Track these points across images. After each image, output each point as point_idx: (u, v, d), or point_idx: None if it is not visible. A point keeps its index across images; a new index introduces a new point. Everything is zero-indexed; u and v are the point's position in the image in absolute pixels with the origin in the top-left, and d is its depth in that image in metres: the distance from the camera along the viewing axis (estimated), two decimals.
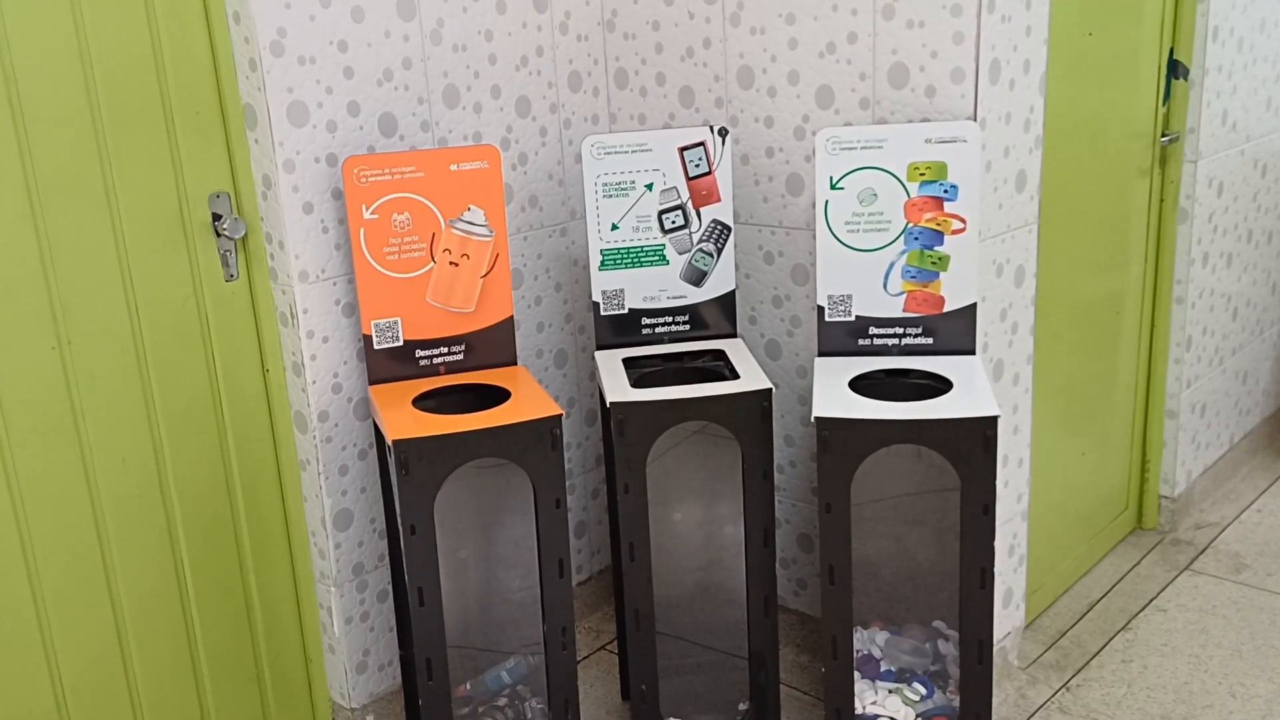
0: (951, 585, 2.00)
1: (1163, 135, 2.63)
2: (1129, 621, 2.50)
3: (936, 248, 1.93)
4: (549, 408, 1.84)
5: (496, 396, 1.95)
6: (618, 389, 1.92)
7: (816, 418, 1.77)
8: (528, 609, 2.11)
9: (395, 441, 1.75)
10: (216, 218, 1.89)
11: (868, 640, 2.06)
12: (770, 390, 1.89)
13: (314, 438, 1.98)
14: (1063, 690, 2.27)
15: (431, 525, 1.81)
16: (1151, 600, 2.58)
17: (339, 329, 1.99)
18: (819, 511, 1.82)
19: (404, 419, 1.83)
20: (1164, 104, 2.63)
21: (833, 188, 1.94)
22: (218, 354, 1.94)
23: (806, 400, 2.24)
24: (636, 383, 2.00)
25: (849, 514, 1.80)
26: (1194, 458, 2.92)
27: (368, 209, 1.92)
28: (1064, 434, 2.51)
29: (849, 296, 1.98)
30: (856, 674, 1.96)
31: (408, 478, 1.77)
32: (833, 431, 1.77)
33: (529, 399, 1.90)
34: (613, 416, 1.89)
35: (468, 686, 2.11)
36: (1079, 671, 2.32)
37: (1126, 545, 2.84)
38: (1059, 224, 2.30)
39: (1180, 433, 2.82)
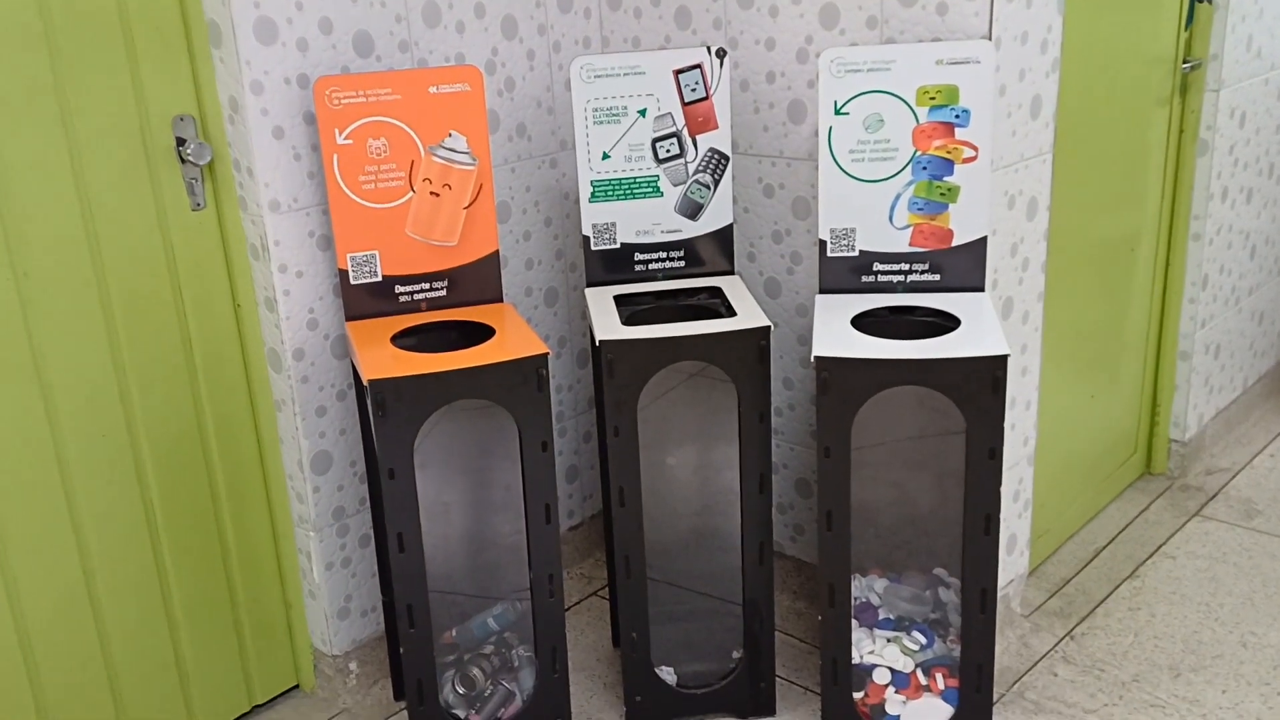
0: (953, 532, 1.92)
1: (1184, 62, 2.50)
2: (1136, 569, 2.43)
3: (946, 178, 1.82)
4: (535, 346, 1.74)
5: (481, 335, 1.85)
6: (608, 327, 1.83)
7: (816, 357, 1.67)
8: (516, 554, 2.03)
9: (371, 381, 1.66)
10: (180, 142, 1.78)
11: (866, 588, 1.99)
12: (768, 328, 1.79)
13: (289, 377, 1.89)
14: (1066, 639, 2.20)
15: (411, 469, 1.72)
16: (1160, 547, 2.51)
17: (314, 262, 1.89)
18: (817, 455, 1.74)
19: (381, 358, 1.73)
20: (1186, 28, 2.49)
21: (837, 113, 1.83)
22: (185, 288, 1.84)
23: (806, 340, 2.14)
24: (628, 321, 1.90)
25: (849, 458, 1.72)
26: (1206, 401, 2.83)
27: (341, 134, 1.81)
28: (1073, 375, 2.42)
29: (852, 230, 1.87)
30: (854, 622, 1.89)
31: (385, 419, 1.68)
32: (832, 372, 1.67)
33: (515, 337, 1.80)
34: (602, 355, 1.79)
35: (453, 633, 2.04)
36: (1084, 620, 2.26)
37: (1134, 491, 2.76)
38: (1073, 155, 2.18)
39: (1193, 375, 2.73)
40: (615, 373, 1.80)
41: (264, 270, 1.85)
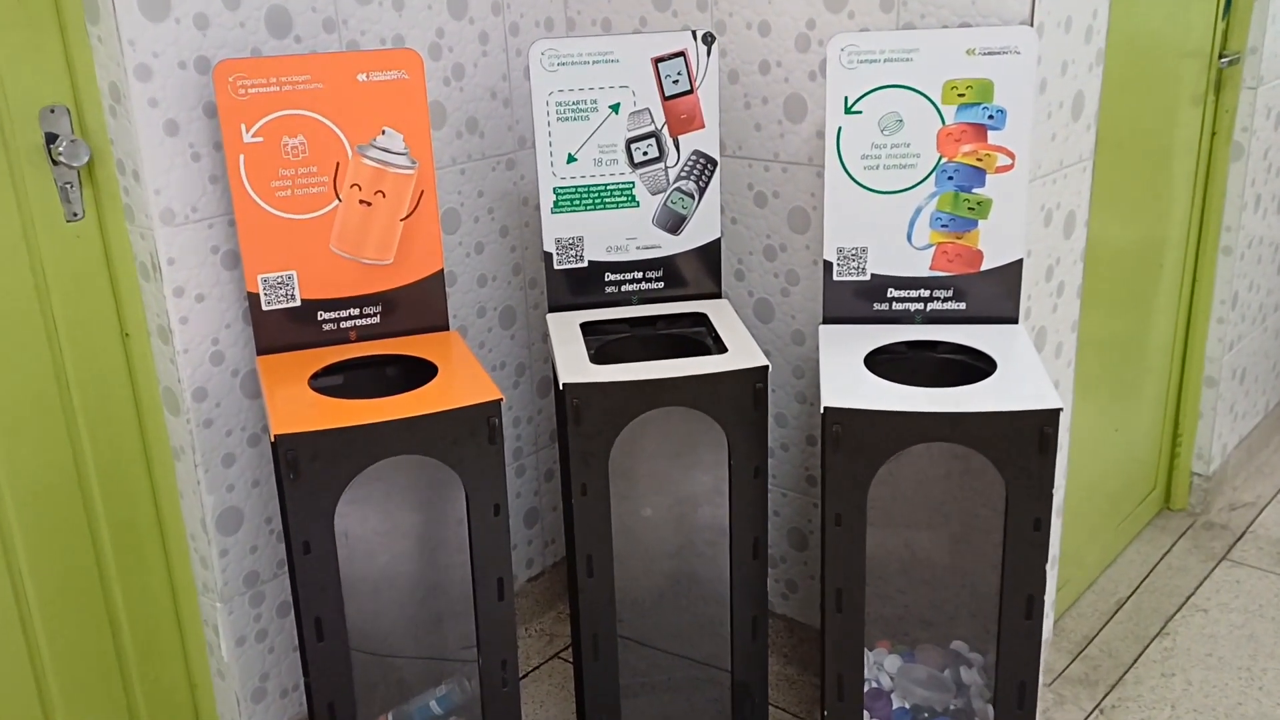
0: (975, 597, 1.65)
1: (1221, 56, 2.23)
2: (1165, 625, 2.16)
3: (976, 189, 1.53)
4: (485, 390, 1.44)
5: (422, 373, 1.54)
6: (573, 365, 1.52)
7: (827, 409, 1.38)
8: (467, 624, 1.73)
9: (280, 437, 1.34)
10: (51, 139, 1.45)
11: (874, 666, 1.70)
12: (766, 369, 1.50)
13: (188, 421, 1.57)
14: (1096, 712, 1.93)
15: (331, 540, 1.41)
16: (1189, 598, 2.25)
17: (218, 284, 1.57)
18: (824, 523, 1.44)
19: (295, 405, 1.42)
20: (1223, 17, 2.22)
21: (847, 112, 1.53)
22: (60, 314, 1.51)
23: (803, 372, 1.85)
24: (598, 356, 1.60)
25: (864, 528, 1.43)
26: (1230, 429, 2.58)
27: (249, 130, 1.49)
28: (1096, 408, 2.15)
29: (863, 250, 1.58)
30: (865, 715, 1.60)
31: (298, 483, 1.36)
32: (846, 426, 1.38)
33: (461, 377, 1.49)
34: (566, 401, 1.49)
35: (390, 717, 1.74)
36: (1113, 689, 1.99)
37: (1154, 530, 2.50)
38: (1109, 161, 1.90)
39: (1219, 402, 2.47)
40: (583, 421, 1.49)
41: (156, 294, 1.52)
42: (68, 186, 1.48)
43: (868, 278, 1.59)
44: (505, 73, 1.89)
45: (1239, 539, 2.45)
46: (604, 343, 1.65)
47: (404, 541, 1.69)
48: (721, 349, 1.57)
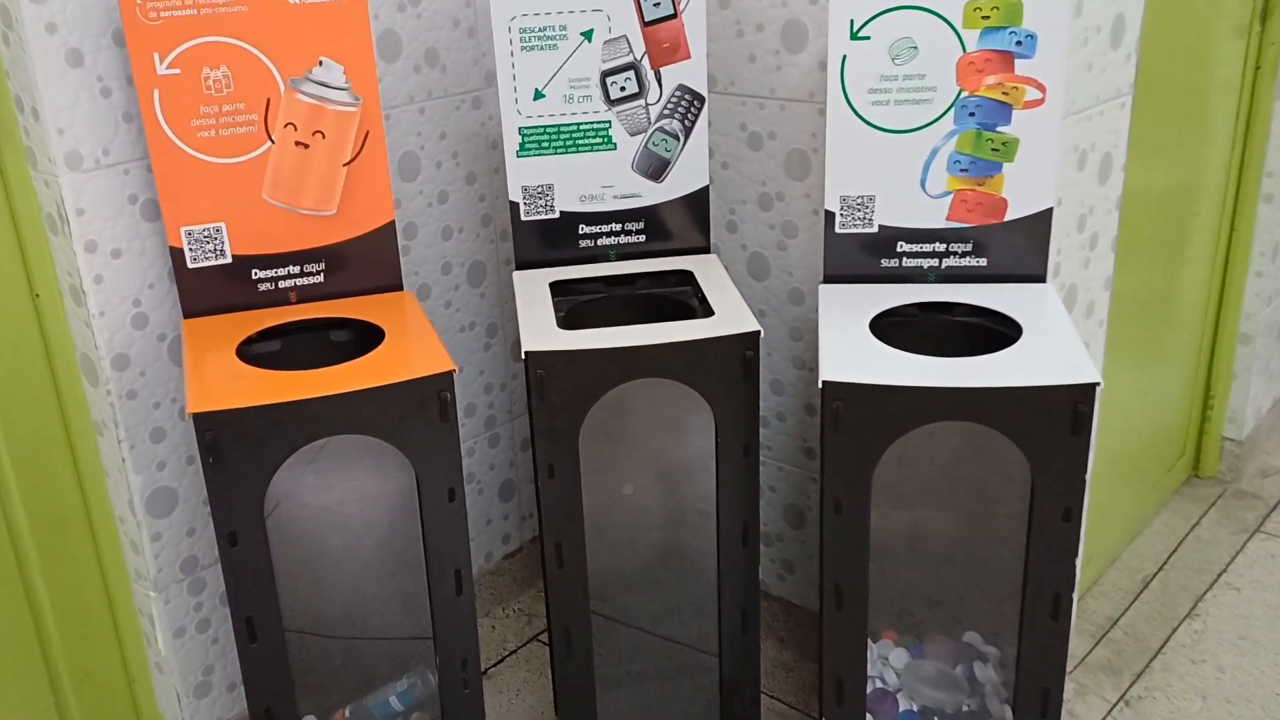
0: (988, 582, 1.48)
1: None
2: (1195, 605, 2.00)
3: (1001, 128, 1.34)
4: (436, 360, 1.26)
5: (368, 339, 1.36)
6: (538, 331, 1.34)
7: (826, 383, 1.20)
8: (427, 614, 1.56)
9: (197, 416, 1.17)
10: None
11: (878, 661, 1.53)
12: (757, 334, 1.32)
13: (108, 393, 1.40)
14: (1120, 704, 1.77)
15: (261, 530, 1.24)
16: (1220, 575, 2.08)
17: (138, 237, 1.38)
18: (823, 509, 1.27)
19: (217, 377, 1.24)
20: None
21: (853, 38, 1.33)
22: None
23: (801, 334, 1.67)
24: (567, 320, 1.42)
25: (868, 517, 1.25)
26: (1264, 391, 2.39)
27: (163, 60, 1.29)
28: (1126, 370, 1.96)
29: (870, 198, 1.38)
30: (867, 717, 1.44)
31: (219, 468, 1.19)
32: (849, 403, 1.20)
33: (411, 344, 1.31)
34: (529, 371, 1.31)
35: (346, 713, 1.58)
36: (1139, 677, 1.83)
37: (1182, 499, 2.33)
38: (1147, 98, 1.70)
39: (1254, 361, 2.28)
40: (548, 395, 1.32)
41: (65, 249, 1.34)
42: None
43: (874, 230, 1.40)
44: None
45: (1272, 510, 2.27)
46: (575, 305, 1.47)
47: (355, 520, 1.52)
48: (708, 312, 1.39)
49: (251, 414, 1.18)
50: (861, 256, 1.41)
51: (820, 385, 1.20)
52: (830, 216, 1.40)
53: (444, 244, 1.75)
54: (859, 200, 1.38)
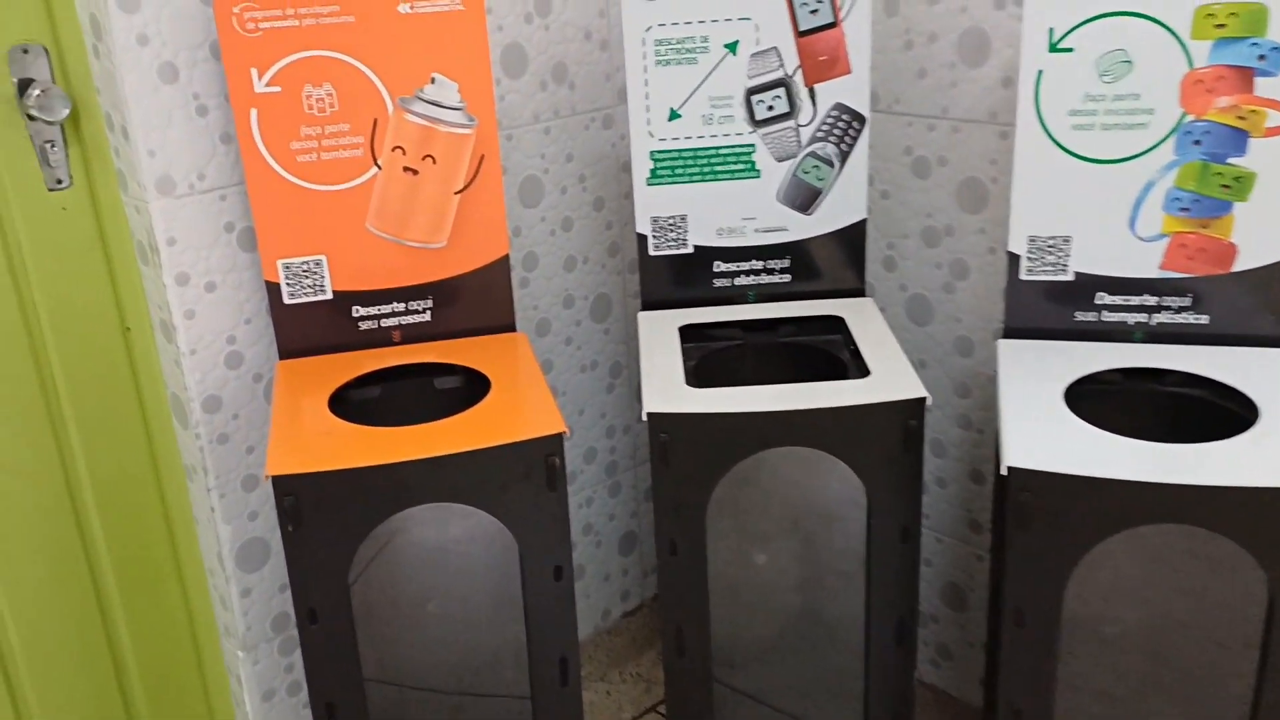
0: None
1: None
2: None
3: (1233, 159, 1.09)
4: (545, 419, 1.09)
5: (473, 386, 1.21)
6: (663, 386, 1.16)
7: (1013, 470, 0.98)
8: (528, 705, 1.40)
9: (276, 479, 1.03)
10: (24, 87, 1.17)
11: None
12: (923, 401, 1.11)
13: (198, 436, 1.28)
14: None
15: (345, 607, 1.10)
16: None
17: (234, 269, 1.27)
18: (1003, 622, 1.05)
19: (303, 432, 1.10)
20: None
21: (1052, 49, 1.11)
22: (43, 304, 1.24)
23: (968, 389, 1.44)
24: (697, 372, 1.24)
25: (1057, 633, 1.03)
26: None
27: (262, 77, 1.17)
28: None
29: (1065, 239, 1.16)
30: None
31: (300, 536, 1.05)
32: (1042, 496, 0.98)
33: (519, 398, 1.15)
34: (652, 434, 1.13)
35: None
36: None
37: None
38: None
39: None
40: (672, 462, 1.14)
41: (155, 280, 1.23)
42: (48, 146, 1.20)
43: (1070, 277, 1.17)
44: (604, 7, 1.52)
45: None
46: (707, 353, 1.29)
47: (449, 591, 1.37)
48: (862, 368, 1.19)
49: (336, 478, 1.04)
50: (1051, 308, 1.18)
51: (1004, 470, 0.98)
52: (1015, 259, 1.18)
53: (566, 275, 1.60)
54: (1051, 241, 1.16)
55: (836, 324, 1.30)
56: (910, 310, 1.47)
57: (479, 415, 1.12)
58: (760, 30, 1.25)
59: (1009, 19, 1.26)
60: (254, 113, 1.18)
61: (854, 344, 1.24)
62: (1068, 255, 1.17)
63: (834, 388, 1.14)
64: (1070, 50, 1.11)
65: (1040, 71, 1.12)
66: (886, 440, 1.12)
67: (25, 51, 1.16)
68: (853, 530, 1.20)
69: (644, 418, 1.13)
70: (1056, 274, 1.17)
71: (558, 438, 1.08)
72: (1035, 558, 1.00)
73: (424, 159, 1.23)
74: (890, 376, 1.15)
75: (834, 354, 1.29)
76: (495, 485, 1.08)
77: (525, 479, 1.09)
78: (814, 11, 1.24)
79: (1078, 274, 1.17)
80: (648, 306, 1.36)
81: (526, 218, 1.52)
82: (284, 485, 1.03)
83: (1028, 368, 1.13)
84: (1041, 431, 1.02)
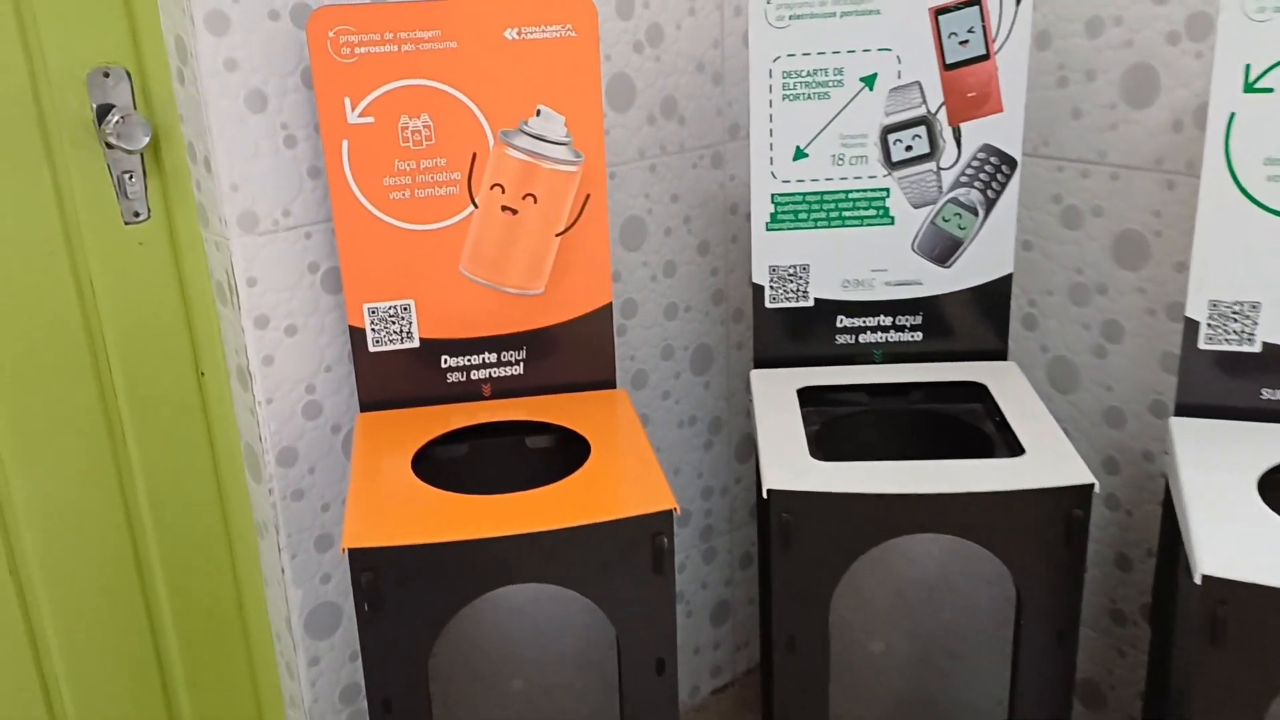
0: None
1: None
2: None
3: None
4: (652, 493, 0.97)
5: (569, 448, 1.09)
6: (785, 458, 1.03)
7: (1207, 578, 0.83)
8: None
9: (353, 552, 0.92)
10: (104, 113, 1.09)
11: None
12: (1090, 488, 0.96)
13: (271, 491, 1.18)
14: None
15: (424, 694, 0.98)
16: None
17: (317, 312, 1.17)
18: None
19: (385, 498, 0.99)
20: None
21: (1248, 89, 0.97)
22: (114, 343, 1.15)
23: (1117, 465, 1.29)
24: (821, 440, 1.11)
25: None
26: None
27: (355, 106, 1.08)
28: None
29: (1253, 306, 1.01)
30: None
31: (376, 617, 0.94)
32: (1244, 609, 0.83)
33: (622, 467, 1.03)
34: (773, 513, 1.00)
35: None
36: None
37: None
38: None
39: None
40: (794, 545, 1.00)
41: (233, 322, 1.14)
42: (126, 177, 1.12)
43: (1257, 348, 1.02)
44: (718, 37, 1.41)
45: None
46: (830, 420, 1.16)
47: (537, 678, 1.25)
48: (1013, 447, 1.04)
49: (421, 554, 0.93)
50: (1234, 383, 1.03)
51: (1198, 578, 0.83)
52: (1192, 326, 1.03)
53: (666, 324, 1.48)
54: (1237, 307, 1.01)
55: (977, 391, 1.16)
56: (1052, 375, 1.32)
57: (578, 485, 1.00)
58: (902, 63, 1.12)
59: (1183, 55, 1.12)
60: (345, 145, 1.08)
61: (999, 415, 1.10)
62: (1255, 323, 1.01)
63: (982, 468, 0.99)
64: (1270, 91, 0.96)
65: (1232, 114, 0.97)
66: (1045, 532, 0.97)
67: (106, 75, 1.08)
68: (996, 626, 1.06)
69: (764, 494, 0.99)
70: (1241, 344, 1.02)
71: (667, 515, 0.96)
72: (1233, 685, 0.84)
73: (524, 197, 1.13)
74: (1048, 457, 1.00)
75: (976, 426, 1.15)
76: (595, 566, 0.96)
77: (628, 560, 0.97)
78: (964, 42, 1.11)
79: (1266, 345, 1.02)
80: (761, 363, 1.23)
81: (627, 261, 1.41)
82: (362, 560, 0.92)
83: (1210, 453, 0.98)
84: (1238, 533, 0.87)
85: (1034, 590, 1.00)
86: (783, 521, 1.00)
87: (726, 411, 1.59)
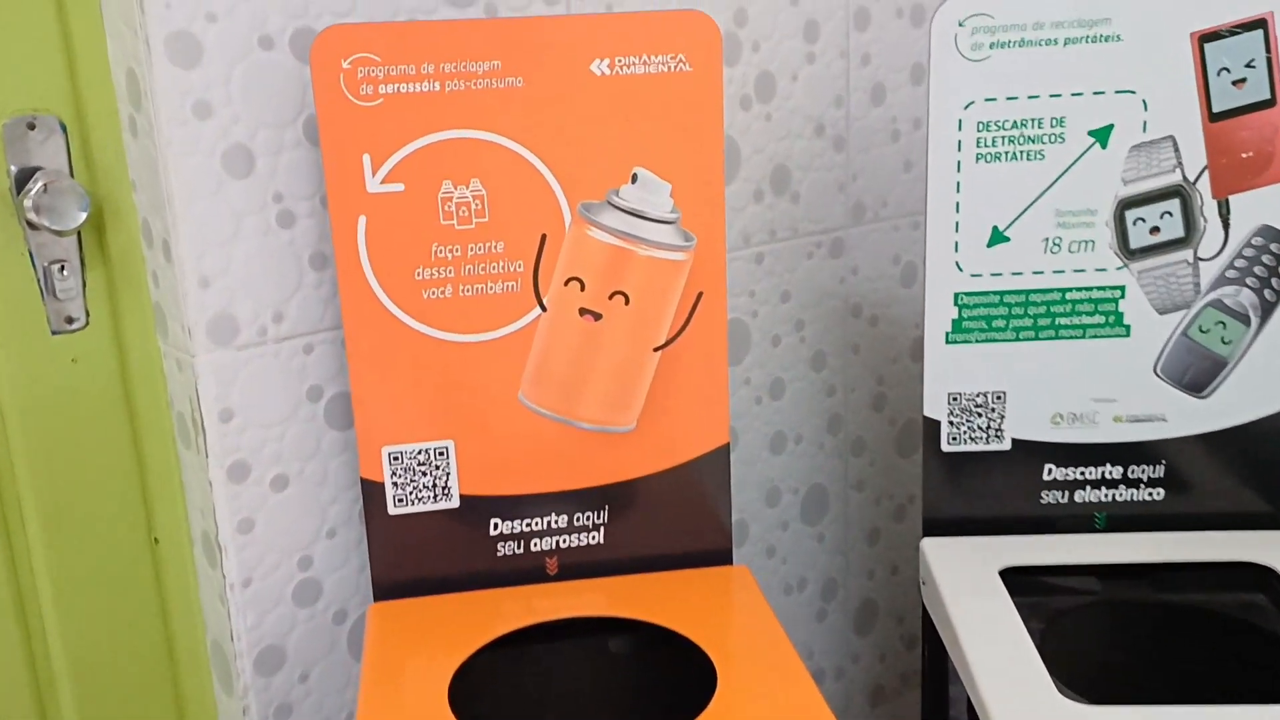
0: None
1: None
2: None
3: None
4: None
5: (672, 655, 0.74)
6: (1012, 681, 0.68)
7: None
8: None
9: None
10: (25, 179, 0.77)
11: None
12: None
13: (246, 709, 0.83)
14: None
15: None
16: None
17: (317, 457, 0.83)
18: None
19: None
20: None
21: None
22: (30, 500, 0.82)
23: None
24: (1045, 645, 0.75)
25: None
26: None
27: (378, 168, 0.75)
28: None
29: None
30: None
31: None
32: None
33: (768, 700, 0.68)
34: None
35: None
36: None
37: None
38: None
39: None
40: None
41: (199, 472, 0.81)
42: (56, 268, 0.80)
43: None
44: (842, 93, 1.10)
45: None
46: (1054, 614, 0.80)
47: None
48: None
49: None
50: None
51: None
52: None
53: (771, 459, 1.14)
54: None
55: (1260, 576, 0.81)
56: None
57: None
58: (1149, 109, 0.80)
59: None
60: (363, 222, 0.76)
61: None
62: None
63: None
64: None
65: None
66: None
67: (31, 126, 0.77)
68: None
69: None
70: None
71: None
72: None
73: (612, 296, 0.80)
74: None
75: (1257, 626, 0.79)
76: None
77: None
78: (1239, 82, 0.78)
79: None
80: (934, 528, 0.88)
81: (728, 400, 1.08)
82: None
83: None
84: None
85: None
86: None
87: (843, 570, 1.24)
